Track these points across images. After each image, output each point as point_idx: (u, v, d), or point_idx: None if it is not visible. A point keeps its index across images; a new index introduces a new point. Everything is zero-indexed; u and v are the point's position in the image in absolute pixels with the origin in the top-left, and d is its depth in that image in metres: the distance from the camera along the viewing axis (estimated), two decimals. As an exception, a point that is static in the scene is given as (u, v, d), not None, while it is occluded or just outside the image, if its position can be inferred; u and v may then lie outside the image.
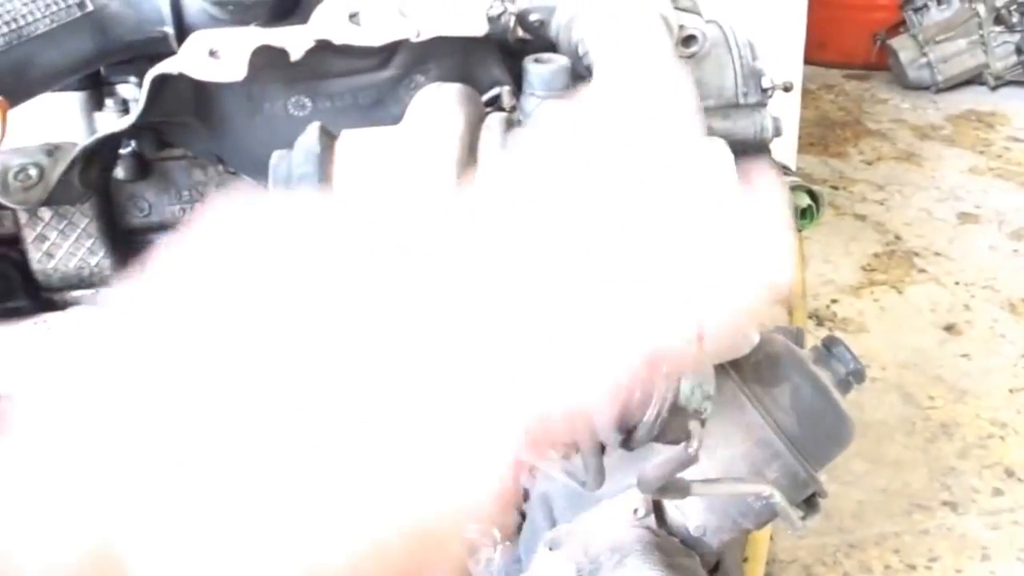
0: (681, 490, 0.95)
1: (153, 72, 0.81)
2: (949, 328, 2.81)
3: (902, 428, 2.35)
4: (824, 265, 3.10)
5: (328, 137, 0.83)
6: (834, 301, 2.94)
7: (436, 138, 0.83)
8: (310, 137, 0.83)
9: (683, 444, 0.91)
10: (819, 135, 4.20)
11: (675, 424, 0.89)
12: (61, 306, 1.02)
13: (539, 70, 0.82)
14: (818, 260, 3.08)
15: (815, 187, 1.25)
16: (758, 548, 1.43)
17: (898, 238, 3.35)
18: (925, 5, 4.66)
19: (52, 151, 0.88)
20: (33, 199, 0.86)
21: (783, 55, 2.68)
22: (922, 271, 3.15)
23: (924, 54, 4.62)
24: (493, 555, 1.22)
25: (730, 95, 1.07)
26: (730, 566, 1.20)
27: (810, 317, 2.70)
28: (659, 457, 0.94)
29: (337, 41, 0.79)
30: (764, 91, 1.05)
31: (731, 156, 0.88)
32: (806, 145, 3.93)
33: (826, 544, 2.00)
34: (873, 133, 4.25)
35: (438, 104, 0.84)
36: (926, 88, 4.66)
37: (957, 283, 3.06)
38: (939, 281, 3.08)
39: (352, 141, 0.83)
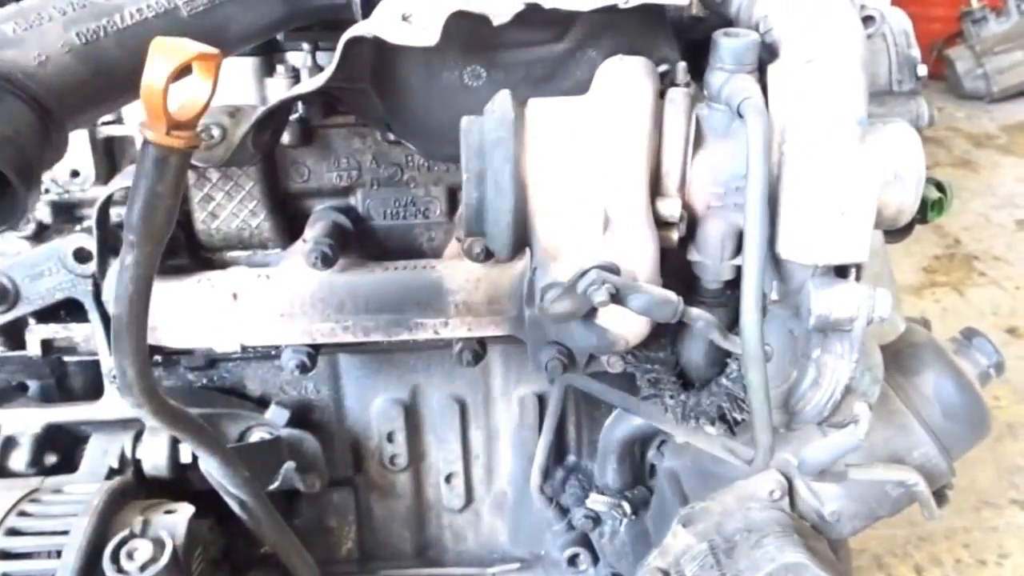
0: (839, 474, 0.96)
1: (348, 34, 0.82)
2: (1011, 331, 2.80)
3: (968, 426, 2.33)
4: (884, 264, 3.07)
5: (518, 104, 0.84)
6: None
7: (627, 109, 0.83)
8: (502, 103, 0.83)
9: (850, 427, 0.91)
10: (875, 140, 4.15)
11: (844, 406, 0.90)
12: (220, 265, 1.03)
13: (731, 44, 0.81)
14: (879, 259, 3.05)
15: (942, 179, 1.25)
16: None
17: (957, 241, 3.34)
18: (984, 17, 4.65)
19: (234, 112, 0.89)
20: (215, 158, 0.87)
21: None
22: (982, 274, 3.14)
23: (981, 64, 4.60)
24: (619, 528, 1.23)
25: (884, 82, 1.07)
26: (844, 554, 1.20)
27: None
28: (823, 440, 0.94)
29: (547, 6, 0.78)
30: (918, 79, 1.05)
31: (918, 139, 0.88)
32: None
33: (896, 536, 2.00)
34: (929, 140, 4.21)
35: (626, 76, 0.84)
36: (980, 98, 4.65)
37: (1018, 287, 3.05)
38: (999, 285, 3.07)
39: (544, 109, 0.84)
